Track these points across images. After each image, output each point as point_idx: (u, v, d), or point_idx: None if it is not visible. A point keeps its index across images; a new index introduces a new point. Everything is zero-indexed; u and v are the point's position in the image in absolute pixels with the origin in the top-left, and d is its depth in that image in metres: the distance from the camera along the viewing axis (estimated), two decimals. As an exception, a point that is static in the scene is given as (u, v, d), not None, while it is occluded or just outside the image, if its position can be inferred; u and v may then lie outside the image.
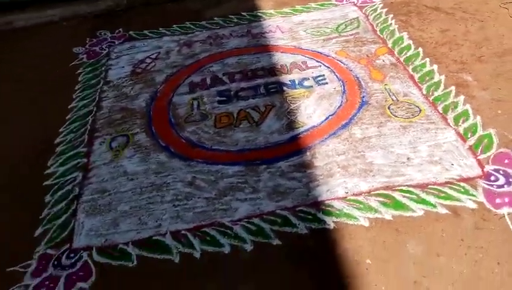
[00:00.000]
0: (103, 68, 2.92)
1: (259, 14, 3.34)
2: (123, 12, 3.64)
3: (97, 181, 2.02)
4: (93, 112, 2.49)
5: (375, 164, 1.88)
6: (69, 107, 2.56)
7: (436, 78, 2.36)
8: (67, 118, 2.47)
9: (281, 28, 3.10)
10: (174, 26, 3.32)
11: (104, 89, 2.70)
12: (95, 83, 2.76)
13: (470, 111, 2.10)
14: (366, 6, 3.22)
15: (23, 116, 2.54)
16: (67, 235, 1.80)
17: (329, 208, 1.74)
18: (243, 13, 3.37)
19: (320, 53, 2.74)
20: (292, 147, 2.04)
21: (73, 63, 3.02)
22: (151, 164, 2.07)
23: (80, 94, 2.67)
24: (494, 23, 2.78)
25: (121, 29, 3.38)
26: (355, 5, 3.27)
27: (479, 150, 1.89)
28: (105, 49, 3.14)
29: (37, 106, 2.62)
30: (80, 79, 2.83)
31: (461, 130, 2.00)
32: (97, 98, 2.61)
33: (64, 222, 1.85)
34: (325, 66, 2.61)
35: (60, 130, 2.38)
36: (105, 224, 1.82)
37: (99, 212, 1.87)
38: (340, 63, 2.61)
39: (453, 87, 2.26)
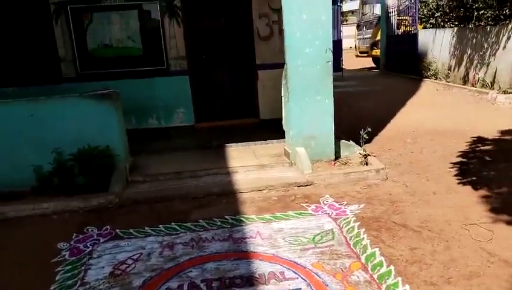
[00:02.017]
0: (83, 267, 2.93)
1: (241, 218, 3.57)
2: (113, 209, 3.86)
3: None
4: (63, 318, 2.41)
5: None
6: (39, 309, 2.48)
7: (409, 299, 2.41)
8: (34, 322, 2.37)
9: (261, 234, 3.28)
10: (160, 226, 3.49)
11: (79, 290, 2.66)
12: (71, 283, 2.74)
13: (445, 340, 2.08)
14: (340, 218, 3.49)
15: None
16: None
17: None
18: (226, 217, 3.60)
19: (298, 264, 2.84)
20: None
21: (54, 260, 3.05)
22: None
23: (54, 296, 2.62)
24: (459, 244, 3.00)
25: (108, 227, 3.52)
26: (329, 216, 3.55)
27: None
28: (89, 247, 3.21)
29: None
30: (57, 278, 2.81)
31: None
32: (70, 301, 2.55)
33: None
34: (302, 278, 2.67)
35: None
36: None
37: None
38: (316, 276, 2.69)
39: (426, 311, 2.30)
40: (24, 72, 6.11)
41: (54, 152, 4.13)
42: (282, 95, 4.71)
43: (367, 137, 4.61)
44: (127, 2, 6.00)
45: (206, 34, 6.57)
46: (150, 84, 6.18)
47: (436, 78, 10.60)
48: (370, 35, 14.90)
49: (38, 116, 4.21)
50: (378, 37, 13.77)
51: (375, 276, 2.67)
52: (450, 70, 10.28)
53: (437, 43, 10.86)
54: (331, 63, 4.40)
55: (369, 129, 4.57)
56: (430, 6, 11.89)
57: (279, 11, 6.08)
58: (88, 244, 3.25)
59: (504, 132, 5.68)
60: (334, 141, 4.58)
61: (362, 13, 16.94)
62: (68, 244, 3.26)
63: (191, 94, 6.42)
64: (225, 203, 3.90)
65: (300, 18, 4.25)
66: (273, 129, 5.87)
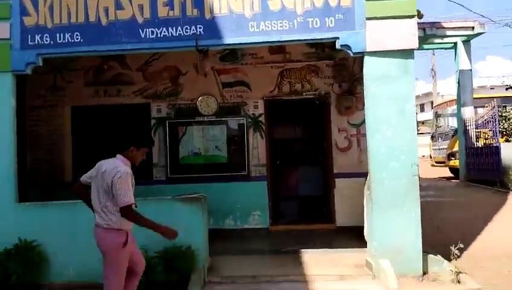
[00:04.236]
0: None
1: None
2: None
3: None
4: None
5: None
6: None
7: None
8: None
9: None
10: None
11: None
12: None
13: None
14: None
15: None
16: None
17: None
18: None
19: None
20: None
21: None
22: None
23: None
24: None
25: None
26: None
27: None
28: None
29: None
30: None
31: None
32: None
33: None
34: None
35: None
36: None
37: None
38: None
39: None
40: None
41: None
42: (365, 205, 4.67)
43: (459, 253, 4.29)
44: (217, 118, 6.68)
45: (287, 142, 7.01)
46: (231, 188, 6.49)
47: (525, 192, 9.85)
48: (446, 146, 14.61)
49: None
50: (456, 148, 13.45)
51: None
52: (540, 185, 9.55)
53: (523, 156, 10.33)
54: (417, 177, 4.37)
55: (461, 245, 4.28)
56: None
57: (357, 125, 6.38)
58: None
59: None
60: (421, 255, 4.32)
61: (436, 125, 16.84)
62: None
63: (268, 197, 6.59)
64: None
65: (385, 135, 4.38)
66: (350, 236, 5.75)
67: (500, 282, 4.34)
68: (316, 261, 4.89)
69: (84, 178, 3.36)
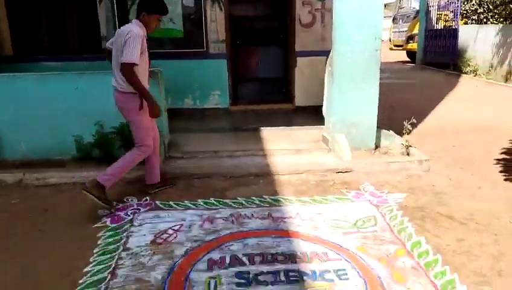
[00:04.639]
0: (124, 234, 2.96)
1: (280, 199, 3.53)
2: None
3: None
4: (107, 280, 2.43)
5: None
6: (84, 270, 2.52)
7: (459, 288, 2.33)
8: (79, 281, 2.41)
9: (300, 215, 3.24)
10: (199, 200, 3.49)
11: (122, 255, 2.69)
12: (114, 248, 2.77)
13: (501, 331, 2.00)
14: (382, 206, 3.41)
15: (35, 267, 2.48)
16: None
17: None
18: (264, 196, 3.57)
19: (341, 246, 2.79)
20: None
21: (96, 225, 3.09)
22: None
23: (97, 258, 2.66)
24: (508, 238, 2.88)
25: (147, 198, 3.55)
26: (371, 203, 3.47)
27: None
28: (129, 215, 3.25)
29: (48, 260, 2.60)
30: (99, 242, 2.85)
31: None
32: (113, 265, 2.58)
33: None
34: (346, 260, 2.62)
35: (70, 295, 2.29)
36: None
37: None
38: (360, 259, 2.63)
39: (478, 301, 2.22)
40: (67, 48, 6.28)
41: (96, 124, 4.18)
42: (326, 81, 4.62)
43: (411, 128, 4.48)
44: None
45: (247, 19, 6.52)
46: (188, 66, 6.18)
47: (476, 75, 10.25)
48: (406, 29, 14.52)
49: (82, 89, 4.25)
50: (415, 31, 13.40)
51: (421, 263, 2.60)
52: (491, 68, 9.91)
53: (479, 40, 10.48)
54: (379, 52, 4.28)
55: (414, 120, 4.44)
56: (474, 2, 11.48)
57: (323, -1, 6.02)
58: (129, 213, 3.29)
59: (551, 132, 5.43)
60: (375, 130, 4.47)
61: (399, 6, 16.45)
62: (108, 212, 3.30)
63: (227, 77, 6.39)
64: (263, 184, 3.87)
65: (352, 5, 4.13)
66: (308, 116, 5.85)
67: (444, 154, 4.67)
68: (274, 137, 4.99)
69: (107, 44, 3.47)
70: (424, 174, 4.09)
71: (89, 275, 2.48)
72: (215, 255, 2.68)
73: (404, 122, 4.43)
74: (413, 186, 3.82)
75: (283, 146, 4.63)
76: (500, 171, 4.14)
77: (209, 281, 2.42)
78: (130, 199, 3.55)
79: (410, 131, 4.51)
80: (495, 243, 2.83)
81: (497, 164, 4.36)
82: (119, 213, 3.29)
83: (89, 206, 3.31)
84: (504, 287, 2.35)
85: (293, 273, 2.47)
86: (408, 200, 3.52)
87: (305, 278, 2.44)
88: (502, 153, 4.66)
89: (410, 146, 4.39)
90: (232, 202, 3.47)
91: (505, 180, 3.93)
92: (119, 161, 3.40)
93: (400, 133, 4.79)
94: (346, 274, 2.47)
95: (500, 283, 2.39)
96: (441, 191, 3.70)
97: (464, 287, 2.33)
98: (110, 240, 2.89)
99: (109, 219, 3.20)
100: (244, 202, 3.47)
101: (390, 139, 4.66)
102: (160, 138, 4.33)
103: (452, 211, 3.31)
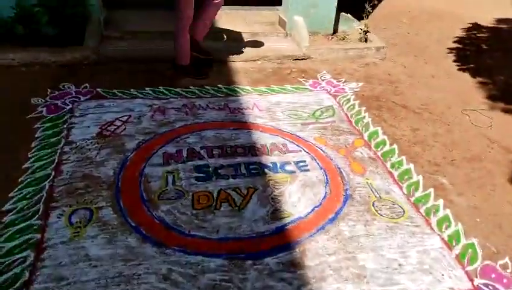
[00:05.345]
0: (65, 126, 2.65)
1: (236, 88, 3.32)
2: (89, 66, 3.45)
3: (52, 265, 1.71)
4: (51, 177, 2.20)
5: (368, 269, 1.79)
6: (22, 167, 2.25)
7: (415, 178, 2.41)
8: (19, 180, 2.15)
9: (258, 105, 3.08)
10: (147, 89, 3.18)
11: (66, 150, 2.43)
12: (55, 141, 2.49)
13: (451, 217, 2.12)
14: (339, 95, 3.33)
15: (-36, 173, 2.18)
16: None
17: (322, 318, 1.59)
18: (219, 85, 3.33)
19: (300, 137, 2.72)
20: (279, 240, 1.91)
21: (30, 116, 2.73)
22: (119, 248, 1.82)
23: (37, 153, 2.37)
24: (459, 128, 2.97)
25: (87, 85, 3.16)
26: (328, 93, 3.37)
27: (465, 260, 1.88)
28: (68, 105, 2.89)
29: (-18, 161, 2.28)
30: (37, 135, 2.54)
31: (445, 236, 2.00)
32: (56, 160, 2.33)
33: (6, 317, 1.52)
34: (305, 151, 2.57)
35: (10, 194, 2.05)
36: (59, 323, 1.51)
37: (52, 306, 1.57)
38: (320, 150, 2.60)
39: (431, 189, 2.31)
40: None
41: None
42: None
43: (371, 10, 4.25)
44: None
45: None
46: None
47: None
48: None
49: None
50: None
51: (379, 153, 2.63)
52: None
53: None
54: None
55: (376, 1, 4.18)
56: None
57: None
58: (67, 102, 2.92)
59: (500, 21, 5.46)
60: (335, 13, 4.18)
61: None
62: (43, 100, 2.91)
63: None
64: (216, 72, 3.58)
65: None
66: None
67: (398, 42, 4.57)
68: (226, 18, 4.53)
69: None
70: (380, 62, 4.02)
71: (29, 171, 2.22)
72: (171, 148, 2.50)
73: (365, 4, 4.16)
74: (370, 75, 3.74)
75: (237, 29, 4.24)
76: (453, 61, 4.15)
77: (167, 175, 2.28)
78: (66, 86, 3.14)
79: (369, 13, 4.27)
80: (448, 132, 2.91)
81: (450, 52, 4.36)
82: (56, 102, 2.91)
83: (21, 93, 2.89)
84: (456, 176, 2.46)
85: (254, 166, 2.40)
86: (365, 90, 3.46)
87: (266, 170, 2.38)
88: (454, 42, 4.65)
89: (368, 32, 4.21)
90: (184, 92, 3.20)
91: (458, 70, 3.96)
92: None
93: (359, 18, 4.55)
94: (307, 166, 2.44)
95: (452, 171, 2.50)
96: (396, 80, 3.67)
97: (420, 177, 2.41)
98: (49, 132, 2.58)
99: (45, 108, 2.83)
100: (197, 92, 3.21)
101: (348, 23, 4.43)
102: (94, 13, 3.78)
103: (407, 100, 3.32)
